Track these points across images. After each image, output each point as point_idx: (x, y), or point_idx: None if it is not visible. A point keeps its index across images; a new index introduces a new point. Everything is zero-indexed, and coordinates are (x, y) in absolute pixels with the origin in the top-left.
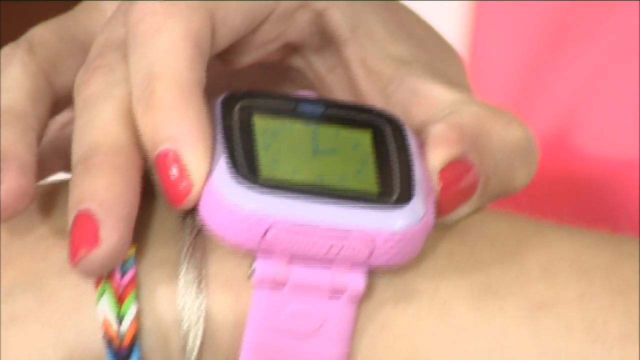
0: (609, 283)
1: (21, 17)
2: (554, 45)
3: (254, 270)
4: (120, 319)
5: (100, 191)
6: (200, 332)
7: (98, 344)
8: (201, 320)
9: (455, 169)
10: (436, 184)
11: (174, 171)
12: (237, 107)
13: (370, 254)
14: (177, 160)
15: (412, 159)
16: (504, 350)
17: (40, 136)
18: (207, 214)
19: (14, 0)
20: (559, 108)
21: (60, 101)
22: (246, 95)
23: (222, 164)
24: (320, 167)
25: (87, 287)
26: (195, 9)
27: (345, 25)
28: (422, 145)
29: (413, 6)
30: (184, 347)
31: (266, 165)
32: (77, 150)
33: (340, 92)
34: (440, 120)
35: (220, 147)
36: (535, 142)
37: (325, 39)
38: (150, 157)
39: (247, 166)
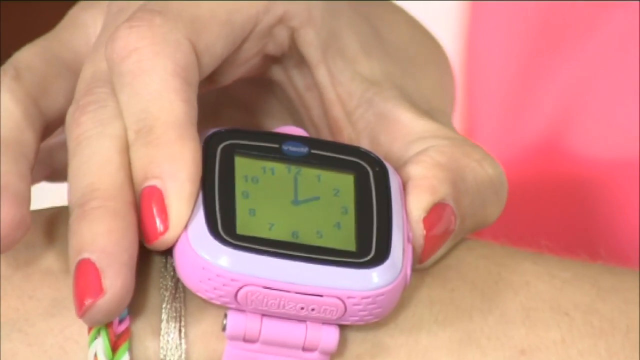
0: (590, 325)
1: (21, 17)
2: (548, 44)
3: (225, 325)
4: None
5: (100, 239)
6: None
7: None
8: None
9: (436, 213)
10: (420, 231)
11: (155, 209)
12: (220, 147)
13: (344, 313)
14: (160, 198)
15: (392, 207)
16: None
17: (32, 164)
18: (181, 266)
19: (14, 0)
20: (553, 107)
21: (50, 124)
22: (230, 134)
23: (199, 217)
24: (298, 219)
25: (73, 331)
26: (179, 43)
27: (316, 47)
28: (402, 186)
29: (408, 6)
30: None
31: (243, 217)
32: (74, 193)
33: (316, 112)
34: (416, 159)
35: (199, 197)
36: (504, 177)
37: (302, 57)
38: (137, 191)
39: (222, 219)
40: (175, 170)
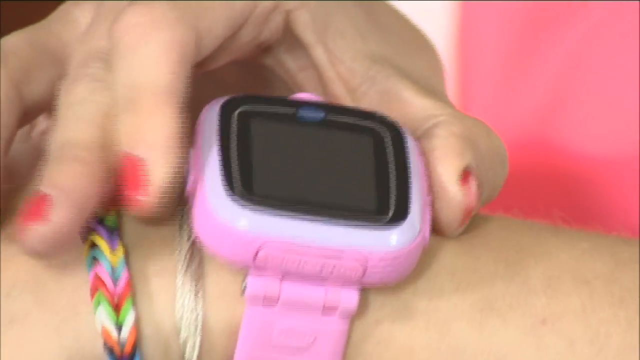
0: (610, 294)
1: (21, 17)
2: (540, 25)
3: (245, 287)
4: (119, 326)
5: (62, 177)
6: (197, 342)
7: (98, 350)
8: (198, 330)
9: (465, 179)
10: (459, 194)
11: (134, 177)
12: (236, 113)
13: (364, 273)
14: (140, 165)
15: (411, 170)
16: None
17: (7, 144)
18: (200, 229)
19: (14, 0)
20: (546, 89)
21: (30, 111)
22: (246, 100)
23: (217, 179)
24: (317, 179)
25: (84, 292)
26: (180, 21)
27: (312, 28)
28: (422, 153)
29: None
30: (182, 356)
31: (261, 179)
32: (52, 147)
33: (311, 91)
34: (431, 132)
35: (216, 158)
36: (505, 147)
37: (296, 40)
38: (118, 157)
39: (241, 180)
40: (153, 139)
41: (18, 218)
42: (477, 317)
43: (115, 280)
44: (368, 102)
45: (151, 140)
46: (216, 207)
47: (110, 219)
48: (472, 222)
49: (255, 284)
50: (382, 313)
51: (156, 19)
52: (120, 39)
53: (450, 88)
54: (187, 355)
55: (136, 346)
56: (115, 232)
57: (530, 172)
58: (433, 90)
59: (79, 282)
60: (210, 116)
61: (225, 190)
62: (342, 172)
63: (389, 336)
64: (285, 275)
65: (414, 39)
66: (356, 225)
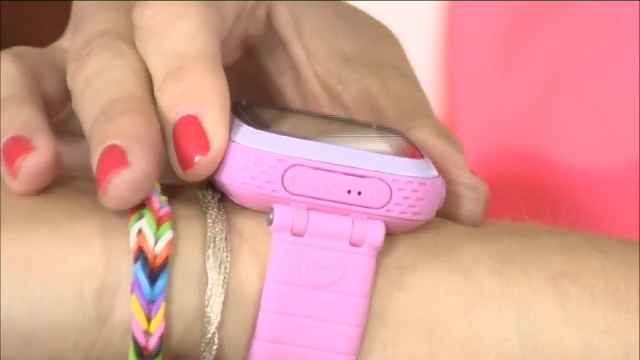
0: (627, 259)
1: (21, 17)
2: (529, 19)
3: (272, 218)
4: (156, 239)
5: (124, 128)
6: (225, 281)
7: (126, 267)
8: (227, 269)
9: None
10: (479, 182)
11: (195, 134)
12: (242, 111)
13: (389, 199)
14: (198, 124)
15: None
16: (528, 315)
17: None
18: (228, 171)
19: (14, 0)
20: (535, 83)
21: (49, 105)
22: (249, 104)
23: (240, 125)
24: (334, 131)
25: (117, 221)
26: (207, 3)
27: (291, 24)
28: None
29: None
30: (210, 295)
31: (282, 123)
32: (91, 113)
33: (290, 95)
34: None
35: (234, 118)
36: None
37: (277, 38)
38: (172, 121)
39: (262, 124)
40: (208, 98)
41: (96, 173)
42: (498, 268)
43: (161, 205)
44: (342, 102)
45: (206, 99)
46: (244, 139)
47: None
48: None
49: (282, 213)
50: (404, 260)
51: (184, 2)
52: (150, 19)
53: (437, 88)
54: (215, 293)
55: (166, 262)
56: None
57: (514, 175)
58: (406, 77)
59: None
60: None
61: (249, 125)
62: (357, 133)
63: (413, 281)
64: (312, 205)
65: (381, 32)
66: (380, 154)
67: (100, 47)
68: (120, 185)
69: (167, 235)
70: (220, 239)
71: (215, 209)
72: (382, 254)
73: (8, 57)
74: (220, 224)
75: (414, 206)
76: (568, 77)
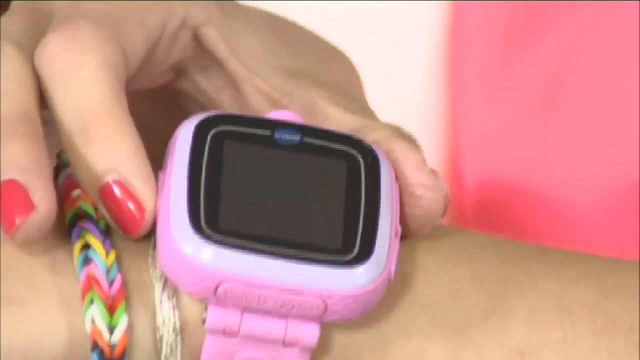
0: (593, 324)
1: None
2: (532, 19)
3: (205, 318)
4: (111, 328)
5: (20, 159)
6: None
7: (87, 349)
8: (179, 351)
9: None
10: (443, 185)
11: (126, 201)
12: (211, 134)
13: (324, 311)
14: (125, 189)
15: (381, 201)
16: None
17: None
18: (163, 257)
19: (14, 0)
20: (538, 82)
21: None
22: (222, 119)
23: (182, 209)
24: (285, 212)
25: (76, 290)
26: (107, 42)
27: (222, 43)
28: (395, 176)
29: None
30: None
31: (228, 209)
32: None
33: (232, 111)
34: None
35: (184, 186)
36: None
37: (209, 57)
38: (93, 190)
39: (207, 212)
40: (124, 160)
41: (1, 212)
42: (450, 349)
43: (109, 282)
44: None
45: (124, 162)
46: (179, 238)
47: (102, 223)
48: (465, 246)
49: (215, 315)
50: (351, 341)
51: (85, 41)
52: (51, 66)
53: (440, 89)
54: None
55: (125, 351)
56: (107, 235)
57: (511, 177)
58: (352, 98)
59: (69, 280)
60: (184, 136)
61: (189, 221)
62: (311, 204)
63: None
64: (246, 308)
65: (326, 52)
66: (319, 263)
67: None
68: (29, 230)
69: (122, 324)
70: (169, 324)
71: (162, 282)
72: (324, 336)
73: (7, 50)
74: (167, 304)
75: (352, 311)
76: (570, 77)
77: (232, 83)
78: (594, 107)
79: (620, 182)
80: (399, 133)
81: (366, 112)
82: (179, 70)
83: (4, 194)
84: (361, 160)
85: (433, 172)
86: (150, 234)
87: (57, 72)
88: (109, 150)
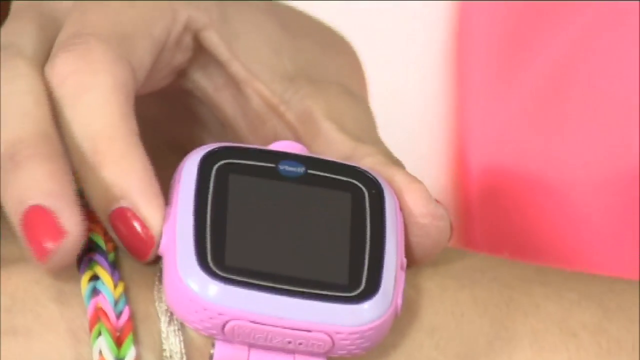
0: (597, 345)
1: None
2: (529, 32)
3: (213, 354)
4: None
5: (44, 183)
6: None
7: None
8: None
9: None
10: (444, 214)
11: (135, 227)
12: (215, 167)
13: (331, 347)
14: (135, 216)
15: (386, 233)
16: None
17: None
18: (170, 295)
19: (14, 0)
20: (535, 97)
21: None
22: (226, 153)
23: (189, 245)
24: (291, 248)
25: (83, 322)
26: (117, 61)
27: (223, 46)
28: (399, 208)
29: None
30: None
31: (234, 246)
32: (3, 151)
33: (231, 112)
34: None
35: (190, 222)
36: None
37: (210, 57)
38: (104, 214)
39: (213, 248)
40: (133, 186)
41: (28, 239)
42: None
43: (117, 314)
44: (285, 123)
45: (133, 189)
46: (186, 275)
47: (112, 255)
48: (464, 272)
49: (223, 351)
50: None
51: (95, 62)
52: (60, 87)
53: (445, 87)
54: None
55: None
56: (115, 268)
57: (517, 176)
58: (350, 100)
59: (77, 312)
60: (189, 170)
61: (196, 259)
62: (317, 239)
63: None
64: (253, 344)
65: (330, 42)
66: (326, 300)
67: (4, 66)
68: (63, 254)
69: (130, 356)
70: (176, 354)
71: (168, 316)
72: None
73: (21, 66)
74: (173, 338)
75: (358, 349)
76: (575, 75)
77: (233, 84)
78: (596, 102)
79: (621, 174)
80: (393, 159)
81: (363, 122)
82: (181, 71)
83: (32, 221)
84: (365, 192)
85: (437, 201)
86: (156, 263)
87: (67, 94)
88: (119, 176)
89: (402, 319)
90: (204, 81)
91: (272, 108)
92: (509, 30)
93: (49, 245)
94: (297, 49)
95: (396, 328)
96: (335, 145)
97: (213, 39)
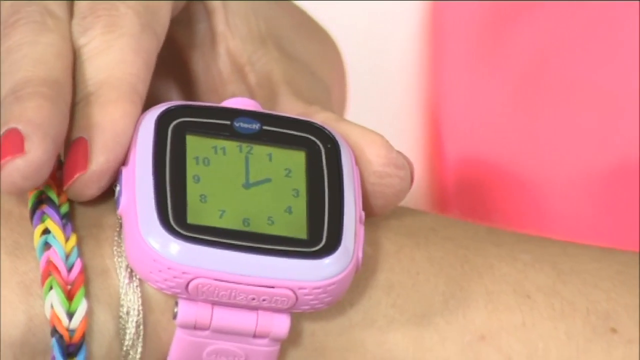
0: (551, 308)
1: None
2: (502, 24)
3: (176, 313)
4: (70, 314)
5: (29, 112)
6: (139, 350)
7: (47, 334)
8: (141, 338)
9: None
10: (390, 169)
11: (80, 153)
12: (171, 126)
13: (295, 303)
14: (84, 147)
15: (344, 187)
16: None
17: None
18: (132, 255)
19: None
20: (511, 89)
21: None
22: (182, 111)
23: (151, 205)
24: (250, 204)
25: (35, 275)
26: (145, 29)
27: None
28: (355, 160)
29: None
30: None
31: (194, 204)
32: (4, 88)
33: (195, 68)
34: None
35: (150, 182)
36: None
37: (200, 9)
38: (72, 137)
39: (174, 207)
40: (101, 124)
41: None
42: (413, 332)
43: (68, 267)
44: (248, 84)
45: (99, 125)
46: (148, 235)
47: (64, 206)
48: (417, 229)
49: (186, 310)
50: (318, 327)
51: (123, 27)
52: (87, 46)
53: (422, 77)
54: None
55: (84, 336)
56: (68, 220)
57: (493, 169)
58: (313, 79)
59: (31, 266)
60: (145, 130)
61: (158, 218)
62: (275, 194)
63: (322, 346)
64: (217, 302)
65: (309, 29)
66: (288, 256)
67: (26, 19)
68: (12, 172)
69: (81, 310)
70: (133, 315)
71: (128, 272)
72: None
73: (48, 21)
74: (132, 295)
75: (322, 303)
76: (550, 63)
77: (210, 40)
78: (575, 92)
79: (600, 166)
80: (344, 118)
81: (320, 97)
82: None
83: (4, 141)
84: (321, 147)
85: (399, 152)
86: (116, 224)
87: (90, 50)
88: (97, 115)
89: (360, 276)
90: (185, 35)
91: (238, 68)
92: (486, 21)
93: (5, 159)
94: (274, 20)
95: (353, 285)
96: (289, 106)
97: None
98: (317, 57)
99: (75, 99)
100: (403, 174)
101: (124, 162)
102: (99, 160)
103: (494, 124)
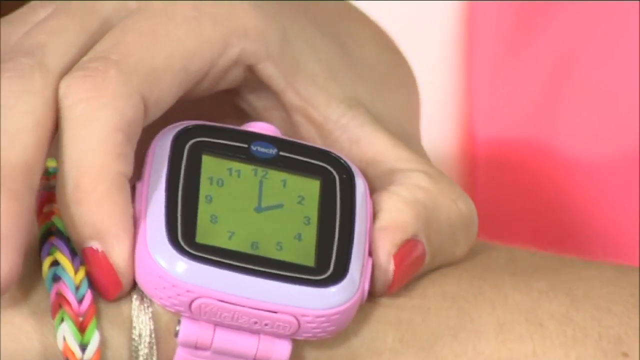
0: (563, 335)
1: None
2: (531, 24)
3: (178, 331)
4: (83, 346)
5: None
6: None
7: None
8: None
9: (407, 248)
10: (390, 267)
11: (103, 269)
12: (188, 145)
13: (297, 329)
14: (104, 258)
15: (355, 218)
16: None
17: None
18: (138, 270)
19: (14, 0)
20: (538, 90)
21: None
22: (199, 131)
23: (160, 222)
24: (260, 228)
25: (45, 307)
26: (129, 97)
27: (279, 77)
28: (371, 194)
29: None
30: None
31: (204, 224)
32: None
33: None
34: (392, 189)
35: (162, 198)
36: (476, 214)
37: (262, 84)
38: (79, 245)
39: (184, 225)
40: (108, 229)
41: None
42: None
43: (79, 299)
44: (339, 149)
45: (108, 232)
46: (155, 251)
47: None
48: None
49: (188, 329)
50: (320, 352)
51: (106, 94)
52: (68, 110)
53: (455, 63)
54: None
55: None
56: (77, 252)
57: (523, 168)
58: (406, 136)
59: (41, 295)
60: (162, 147)
61: (166, 235)
62: (286, 220)
63: None
64: (219, 323)
65: (391, 74)
66: (293, 282)
67: (15, 71)
68: None
69: (94, 342)
70: (145, 337)
71: (140, 295)
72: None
73: (36, 79)
74: (143, 316)
75: (324, 332)
76: (574, 66)
77: (285, 110)
78: (601, 79)
79: (624, 146)
80: (416, 198)
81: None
82: (229, 90)
83: None
84: (336, 176)
85: (401, 252)
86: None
87: (72, 118)
88: (95, 216)
89: (368, 311)
90: (254, 101)
91: (326, 135)
92: (518, 10)
93: None
94: (356, 78)
95: (361, 318)
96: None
97: (268, 71)
98: (404, 107)
99: (59, 181)
100: (383, 279)
101: (139, 177)
102: (126, 268)
103: (523, 109)
